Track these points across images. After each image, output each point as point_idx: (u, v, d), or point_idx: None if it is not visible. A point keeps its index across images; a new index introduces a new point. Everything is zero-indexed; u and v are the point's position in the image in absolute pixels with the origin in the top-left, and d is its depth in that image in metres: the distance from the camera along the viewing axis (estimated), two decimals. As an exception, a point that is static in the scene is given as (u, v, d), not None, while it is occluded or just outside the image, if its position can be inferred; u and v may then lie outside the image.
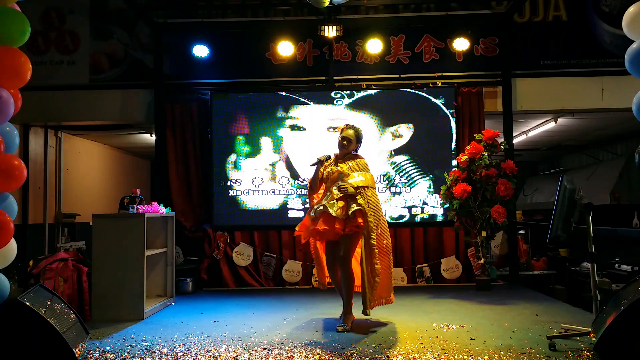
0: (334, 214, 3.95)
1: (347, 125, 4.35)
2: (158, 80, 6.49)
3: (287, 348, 3.49)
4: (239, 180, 6.40)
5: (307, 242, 4.35)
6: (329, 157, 4.31)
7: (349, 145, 4.24)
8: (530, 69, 6.57)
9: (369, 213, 3.97)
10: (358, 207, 3.95)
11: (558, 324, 4.00)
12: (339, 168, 4.16)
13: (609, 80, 6.47)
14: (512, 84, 6.50)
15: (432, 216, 6.34)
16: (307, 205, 6.27)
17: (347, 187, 4.01)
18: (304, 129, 6.43)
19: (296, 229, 4.32)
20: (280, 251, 6.41)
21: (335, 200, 4.00)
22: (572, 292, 7.02)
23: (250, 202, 6.38)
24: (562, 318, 4.23)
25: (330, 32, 6.07)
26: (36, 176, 6.97)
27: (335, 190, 4.04)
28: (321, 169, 4.27)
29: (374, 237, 3.98)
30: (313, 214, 4.12)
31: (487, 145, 5.83)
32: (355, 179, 4.07)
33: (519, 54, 6.55)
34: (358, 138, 4.31)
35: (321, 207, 4.03)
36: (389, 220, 6.23)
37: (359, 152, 4.40)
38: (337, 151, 4.34)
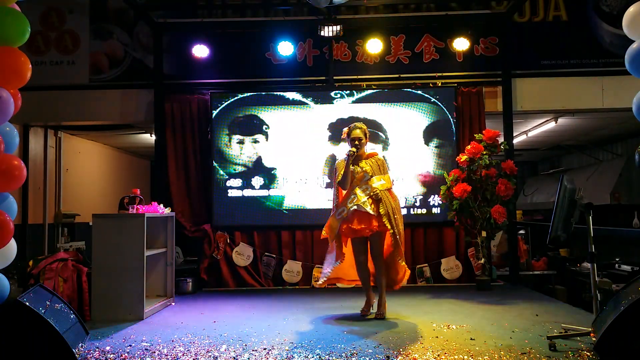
0: (371, 211, 4.25)
1: (349, 127, 4.57)
2: (158, 80, 6.49)
3: (287, 348, 3.49)
4: (239, 180, 6.39)
5: (306, 241, 4.44)
6: (354, 153, 4.46)
7: (362, 144, 4.49)
8: (530, 69, 6.57)
9: (392, 213, 4.31)
10: (384, 210, 4.28)
11: (558, 324, 4.00)
12: (363, 168, 4.41)
13: (609, 80, 6.46)
14: (512, 84, 6.49)
15: (432, 216, 6.34)
16: (306, 206, 6.32)
17: (376, 192, 4.31)
18: (304, 129, 6.42)
19: (322, 232, 4.53)
20: (280, 251, 6.40)
21: (365, 200, 4.28)
22: (572, 292, 7.02)
23: (250, 202, 6.38)
24: (562, 318, 4.23)
25: (330, 32, 6.07)
26: (36, 176, 6.97)
27: (360, 193, 4.31)
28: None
29: (397, 233, 4.31)
30: (339, 215, 4.37)
31: (487, 145, 5.83)
32: (379, 182, 4.37)
33: (519, 54, 6.55)
34: (365, 134, 4.56)
35: (354, 207, 4.29)
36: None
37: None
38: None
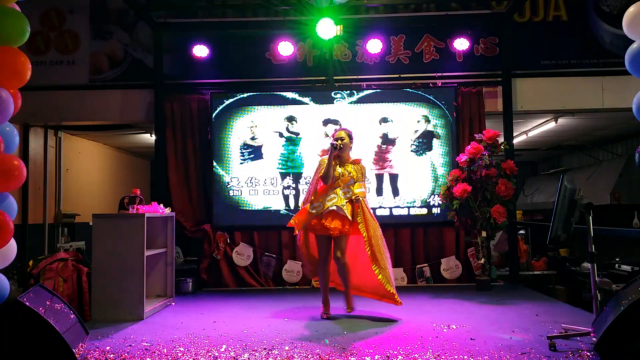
0: (349, 216, 4.35)
1: (335, 130, 4.68)
2: (158, 80, 6.49)
3: (287, 348, 3.49)
4: (239, 180, 6.39)
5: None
6: (337, 147, 4.49)
7: (345, 144, 4.52)
8: (530, 69, 6.57)
9: (366, 221, 4.40)
10: (361, 217, 4.39)
11: (558, 324, 4.00)
12: (350, 173, 4.48)
13: (609, 80, 6.46)
14: (512, 84, 6.49)
15: (432, 216, 6.34)
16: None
17: (358, 197, 4.40)
18: (304, 129, 6.43)
19: (292, 221, 4.54)
20: (280, 251, 6.40)
21: (345, 203, 4.36)
22: (572, 292, 7.02)
23: (250, 202, 6.38)
24: (562, 318, 4.23)
25: (329, 32, 6.06)
26: (36, 176, 6.97)
27: (341, 195, 4.37)
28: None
29: (374, 240, 4.39)
30: (314, 210, 4.40)
31: (488, 145, 5.83)
32: (360, 189, 4.45)
33: (519, 54, 6.55)
34: (350, 137, 4.62)
35: (334, 207, 4.34)
36: (390, 221, 6.25)
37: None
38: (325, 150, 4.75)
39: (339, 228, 4.34)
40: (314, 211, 4.40)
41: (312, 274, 4.80)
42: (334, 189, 4.41)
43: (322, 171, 4.47)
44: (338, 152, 4.47)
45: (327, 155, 4.56)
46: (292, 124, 6.41)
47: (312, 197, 4.52)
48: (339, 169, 4.49)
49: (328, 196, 4.39)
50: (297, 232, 4.55)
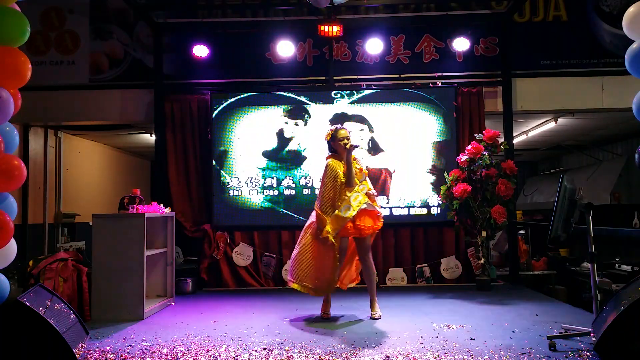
0: (379, 210, 4.46)
1: (331, 129, 4.53)
2: (158, 80, 6.49)
3: (287, 348, 3.49)
4: (239, 180, 6.39)
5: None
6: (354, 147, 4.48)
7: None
8: (530, 69, 6.57)
9: None
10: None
11: (558, 324, 4.00)
12: (362, 170, 4.50)
13: (609, 80, 6.46)
14: (512, 84, 6.49)
15: (432, 216, 6.34)
16: (307, 206, 6.30)
17: (374, 192, 4.50)
18: (304, 129, 6.42)
19: (327, 229, 4.23)
20: (280, 251, 6.39)
21: (367, 200, 4.39)
22: (572, 292, 7.02)
23: (250, 202, 6.38)
24: (562, 318, 4.23)
25: (329, 31, 6.07)
26: (36, 176, 6.97)
27: (362, 193, 4.38)
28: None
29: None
30: (347, 214, 4.25)
31: (488, 145, 5.83)
32: (369, 184, 4.53)
33: (519, 54, 6.55)
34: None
35: (365, 206, 4.33)
36: (390, 221, 6.25)
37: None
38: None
39: (372, 226, 4.37)
40: (346, 214, 4.24)
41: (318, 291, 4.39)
42: (353, 189, 4.37)
43: (345, 175, 4.33)
44: (351, 150, 4.39)
45: (333, 159, 4.44)
46: (297, 123, 6.41)
47: (339, 203, 4.31)
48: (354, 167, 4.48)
49: (351, 197, 4.32)
50: (334, 242, 4.22)
